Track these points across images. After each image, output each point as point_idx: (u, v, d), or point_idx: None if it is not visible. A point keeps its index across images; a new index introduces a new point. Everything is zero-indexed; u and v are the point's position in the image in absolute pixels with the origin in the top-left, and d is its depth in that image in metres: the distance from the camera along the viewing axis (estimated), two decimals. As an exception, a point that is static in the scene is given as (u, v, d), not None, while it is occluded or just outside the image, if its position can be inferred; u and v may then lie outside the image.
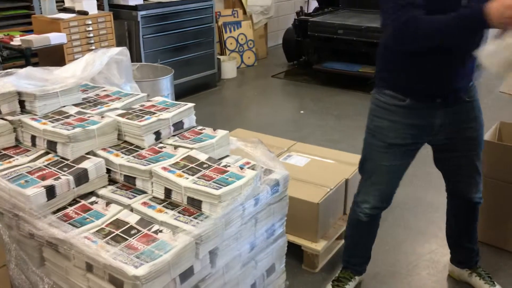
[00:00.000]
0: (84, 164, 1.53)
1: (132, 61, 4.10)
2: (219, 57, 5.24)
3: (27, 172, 1.50)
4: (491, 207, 2.35)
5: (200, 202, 1.41)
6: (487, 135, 2.39)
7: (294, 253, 2.25)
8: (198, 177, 1.46)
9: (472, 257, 2.11)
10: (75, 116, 1.73)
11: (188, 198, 1.43)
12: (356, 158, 2.66)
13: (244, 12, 5.87)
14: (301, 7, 5.67)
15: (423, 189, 2.78)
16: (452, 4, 1.52)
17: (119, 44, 3.99)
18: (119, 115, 1.73)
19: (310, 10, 6.29)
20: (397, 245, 2.46)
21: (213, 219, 1.38)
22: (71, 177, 1.47)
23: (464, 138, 1.80)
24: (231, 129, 3.15)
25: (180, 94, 4.52)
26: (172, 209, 1.44)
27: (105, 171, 1.57)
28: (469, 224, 2.03)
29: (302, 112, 4.41)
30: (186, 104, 1.81)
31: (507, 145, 2.35)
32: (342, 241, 2.28)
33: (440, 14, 1.48)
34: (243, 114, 4.47)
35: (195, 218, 1.39)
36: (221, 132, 1.77)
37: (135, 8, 4.07)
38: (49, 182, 1.44)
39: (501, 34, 1.40)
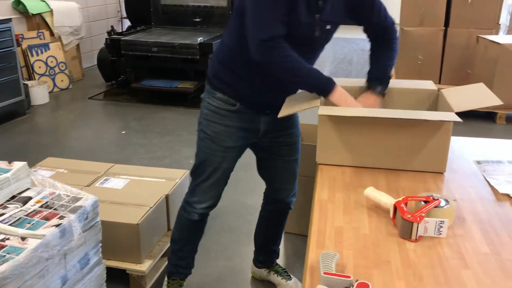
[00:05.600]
0: None
1: None
2: (26, 82, 4.84)
3: None
4: (298, 201, 2.61)
5: (-7, 244, 1.30)
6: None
7: (120, 278, 2.19)
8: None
9: (272, 258, 2.29)
10: None
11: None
12: (177, 172, 2.73)
13: (52, 34, 5.53)
14: (112, 26, 5.55)
15: (244, 193, 2.95)
16: (308, 34, 1.61)
17: None
18: None
19: (124, 29, 6.20)
20: (223, 250, 2.57)
21: (11, 260, 1.28)
22: None
23: (285, 144, 1.91)
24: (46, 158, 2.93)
25: (-18, 126, 4.07)
26: (-41, 258, 1.29)
27: None
28: (278, 228, 2.21)
29: (123, 132, 4.32)
30: (-28, 139, 1.65)
31: (304, 143, 2.63)
32: (169, 257, 2.28)
33: (296, 41, 1.58)
34: (60, 141, 4.19)
35: (-12, 262, 1.27)
36: (17, 164, 1.65)
37: None
38: None
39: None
